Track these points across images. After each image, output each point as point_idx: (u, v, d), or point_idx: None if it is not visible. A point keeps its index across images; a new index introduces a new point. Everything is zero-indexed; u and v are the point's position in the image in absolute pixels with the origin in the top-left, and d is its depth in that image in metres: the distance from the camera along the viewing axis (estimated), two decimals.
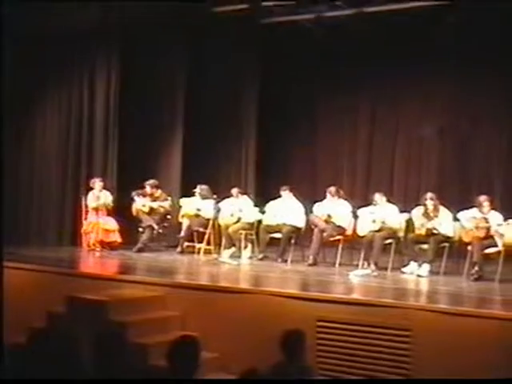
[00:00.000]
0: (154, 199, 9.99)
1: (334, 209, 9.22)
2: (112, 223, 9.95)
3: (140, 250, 9.69)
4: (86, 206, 9.88)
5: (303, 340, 4.86)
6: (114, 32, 10.14)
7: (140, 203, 9.92)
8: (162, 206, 9.98)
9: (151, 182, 10.01)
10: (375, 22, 9.33)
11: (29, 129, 10.38)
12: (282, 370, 4.69)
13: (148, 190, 9.95)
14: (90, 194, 9.93)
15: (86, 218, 9.91)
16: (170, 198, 10.12)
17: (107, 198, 9.94)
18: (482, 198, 8.31)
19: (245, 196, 10.01)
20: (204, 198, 9.83)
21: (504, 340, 6.02)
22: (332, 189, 9.36)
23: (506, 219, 8.14)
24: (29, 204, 10.25)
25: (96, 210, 9.84)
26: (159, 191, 10.06)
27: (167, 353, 3.78)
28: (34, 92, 10.14)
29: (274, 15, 10.09)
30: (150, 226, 9.82)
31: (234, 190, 9.85)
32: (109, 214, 9.96)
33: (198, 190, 9.89)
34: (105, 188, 9.99)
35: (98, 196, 9.86)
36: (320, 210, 9.29)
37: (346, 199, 9.38)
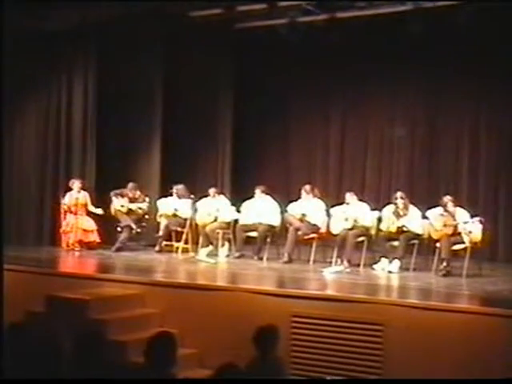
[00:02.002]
0: (133, 201, 10.11)
1: (308, 208, 9.40)
2: (90, 223, 10.02)
3: (118, 250, 9.77)
4: (66, 206, 9.98)
5: (276, 335, 4.96)
6: (92, 36, 10.22)
7: (118, 204, 10.01)
8: (140, 208, 10.11)
9: (130, 185, 10.10)
10: (347, 27, 9.52)
11: (7, 130, 10.40)
12: (256, 365, 4.78)
13: (129, 194, 10.06)
14: (68, 194, 10.03)
15: (64, 219, 9.99)
16: (147, 199, 10.22)
17: (86, 198, 10.05)
18: (446, 199, 8.56)
19: (221, 196, 10.15)
20: (181, 197, 9.97)
21: (470, 332, 6.23)
22: (307, 187, 9.54)
23: (472, 216, 8.40)
24: (8, 205, 10.28)
25: (75, 210, 9.94)
26: (138, 192, 10.17)
27: (144, 349, 3.87)
28: (12, 94, 10.18)
29: (249, 20, 10.22)
30: (128, 226, 9.91)
31: (211, 190, 9.98)
32: (87, 214, 10.05)
33: (174, 189, 10.02)
34: (83, 189, 10.09)
35: (77, 197, 9.96)
36: (295, 209, 9.46)
37: (320, 198, 9.56)
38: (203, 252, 9.50)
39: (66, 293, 7.31)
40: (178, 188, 9.97)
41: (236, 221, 9.79)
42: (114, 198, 10.02)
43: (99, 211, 9.97)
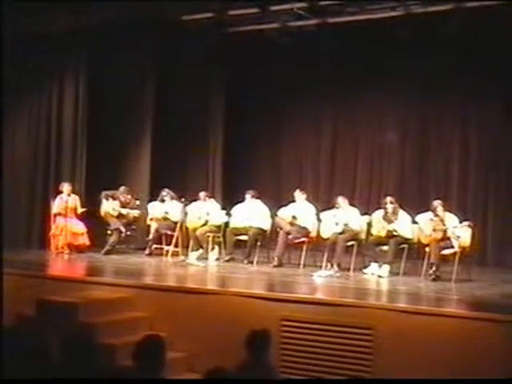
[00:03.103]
0: (124, 205, 10.10)
1: (298, 211, 9.44)
2: (80, 226, 10.02)
3: (108, 253, 9.76)
4: (55, 210, 9.95)
5: (268, 339, 4.98)
6: (83, 40, 10.23)
7: (109, 207, 10.00)
8: (131, 213, 10.10)
9: (122, 189, 10.09)
10: (339, 32, 9.56)
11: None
12: (247, 368, 4.79)
13: (121, 197, 10.05)
14: (58, 198, 10.01)
15: (54, 222, 9.98)
16: (138, 203, 10.18)
17: (75, 201, 10.03)
18: (436, 203, 8.59)
19: (212, 199, 10.16)
20: (172, 198, 9.96)
21: (459, 336, 6.26)
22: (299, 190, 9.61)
23: (461, 221, 8.44)
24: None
25: (64, 213, 9.92)
26: (129, 196, 10.17)
27: (133, 352, 3.86)
28: (3, 97, 10.15)
29: (240, 24, 10.26)
30: (118, 229, 9.90)
31: (202, 194, 9.99)
32: (77, 218, 10.05)
33: (164, 193, 10.02)
34: (73, 192, 10.07)
35: (66, 200, 9.94)
36: (285, 212, 9.50)
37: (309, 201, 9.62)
38: (193, 255, 9.51)
39: (56, 296, 7.29)
40: (167, 191, 9.97)
41: (226, 224, 9.80)
42: (104, 200, 10.00)
43: (83, 210, 9.93)
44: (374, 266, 8.73)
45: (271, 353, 5.11)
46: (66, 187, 9.98)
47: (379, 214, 8.94)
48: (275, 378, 5.21)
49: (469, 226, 8.38)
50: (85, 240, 10.00)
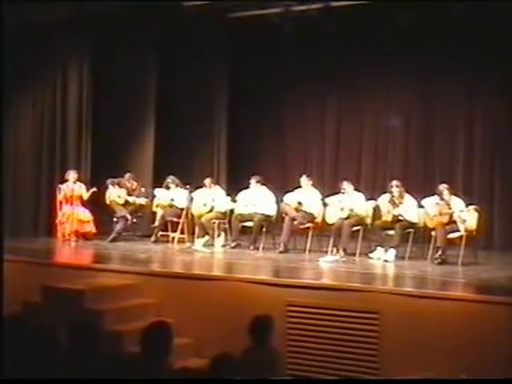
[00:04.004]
0: (131, 192, 10.11)
1: (304, 196, 9.43)
2: (86, 214, 10.06)
3: (114, 240, 9.78)
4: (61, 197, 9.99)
5: (271, 325, 5.00)
6: (86, 28, 10.20)
7: (115, 194, 10.00)
8: (137, 201, 10.10)
9: (128, 175, 10.11)
10: (342, 16, 9.50)
11: (2, 121, 10.39)
12: (251, 354, 4.83)
13: (127, 184, 10.06)
14: (64, 185, 10.04)
15: (60, 209, 10.01)
16: (143, 190, 10.19)
17: (81, 189, 10.05)
18: (442, 187, 8.57)
19: (217, 186, 10.16)
20: (177, 185, 9.97)
21: (466, 320, 6.27)
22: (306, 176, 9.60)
23: (467, 205, 8.42)
24: (4, 196, 10.29)
25: (71, 200, 9.95)
26: (135, 183, 10.19)
27: (140, 338, 3.88)
28: (7, 86, 10.16)
29: (242, 9, 10.19)
30: (124, 217, 9.92)
31: (207, 180, 9.98)
32: (83, 205, 10.08)
33: (169, 180, 10.02)
34: (79, 180, 10.09)
35: (73, 188, 9.96)
36: (290, 198, 9.49)
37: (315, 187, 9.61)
38: (199, 242, 9.52)
39: (62, 283, 7.33)
40: (172, 178, 9.97)
41: (232, 211, 9.80)
42: (110, 186, 10.00)
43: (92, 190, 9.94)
44: (379, 251, 8.72)
45: (275, 338, 5.12)
46: (71, 175, 10.01)
47: (385, 198, 8.92)
48: (280, 363, 5.23)
49: (475, 209, 8.37)
50: (91, 227, 10.05)
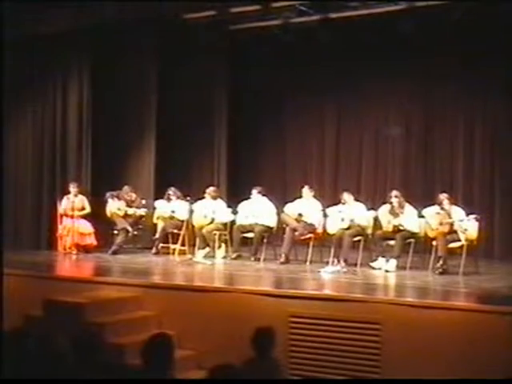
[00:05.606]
0: (130, 204, 10.12)
1: (304, 208, 9.43)
2: (87, 226, 10.06)
3: (115, 252, 9.78)
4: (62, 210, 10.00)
5: (273, 336, 4.98)
6: (86, 40, 10.26)
7: (115, 206, 10.03)
8: (137, 212, 10.11)
9: (126, 188, 10.13)
10: (341, 28, 9.56)
11: (3, 134, 10.42)
12: (253, 366, 4.81)
13: (126, 196, 10.07)
14: (65, 198, 10.05)
15: (61, 222, 10.01)
16: (144, 202, 10.20)
17: (82, 202, 10.07)
18: (442, 196, 8.58)
19: (219, 199, 10.16)
20: (178, 197, 9.98)
21: (468, 330, 6.25)
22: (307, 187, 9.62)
23: (467, 214, 8.43)
24: (5, 209, 10.30)
25: (71, 214, 9.96)
26: (134, 195, 10.20)
27: (141, 351, 3.87)
28: (8, 99, 10.20)
29: (243, 21, 10.27)
30: (125, 229, 9.93)
31: (211, 189, 9.90)
32: (84, 218, 10.08)
33: (170, 192, 10.03)
34: (80, 193, 10.11)
35: (73, 201, 9.98)
36: (291, 209, 9.49)
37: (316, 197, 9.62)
38: (200, 254, 9.52)
39: (64, 296, 7.31)
40: (173, 190, 9.98)
41: (232, 222, 9.81)
42: (109, 200, 10.02)
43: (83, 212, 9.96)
44: (381, 261, 8.72)
45: (278, 349, 5.10)
46: (72, 188, 10.02)
47: (385, 208, 8.93)
48: (282, 375, 5.22)
49: (475, 218, 8.36)
50: (92, 240, 10.05)
